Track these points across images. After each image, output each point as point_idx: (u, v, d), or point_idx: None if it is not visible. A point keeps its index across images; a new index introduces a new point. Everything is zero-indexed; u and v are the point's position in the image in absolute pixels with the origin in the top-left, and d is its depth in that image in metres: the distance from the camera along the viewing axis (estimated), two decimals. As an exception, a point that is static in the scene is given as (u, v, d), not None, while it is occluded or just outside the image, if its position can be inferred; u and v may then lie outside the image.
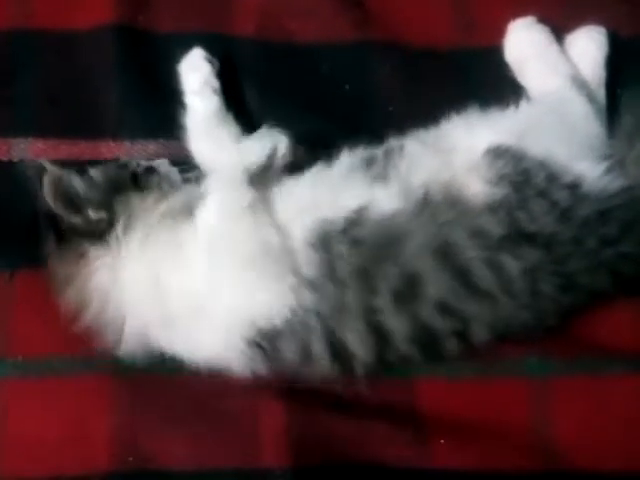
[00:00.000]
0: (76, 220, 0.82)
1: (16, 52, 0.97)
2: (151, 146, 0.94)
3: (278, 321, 0.78)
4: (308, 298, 0.78)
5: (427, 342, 0.80)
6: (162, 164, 0.89)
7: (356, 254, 0.79)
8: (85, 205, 0.82)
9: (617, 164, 0.84)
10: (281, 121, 0.94)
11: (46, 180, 0.82)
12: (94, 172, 0.85)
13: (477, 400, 0.84)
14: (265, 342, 0.79)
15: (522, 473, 0.83)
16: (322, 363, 0.79)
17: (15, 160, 0.93)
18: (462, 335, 0.80)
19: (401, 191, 0.81)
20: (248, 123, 0.93)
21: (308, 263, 0.79)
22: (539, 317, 0.81)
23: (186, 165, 0.90)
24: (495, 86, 0.94)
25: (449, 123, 0.87)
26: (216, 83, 0.91)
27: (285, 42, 0.99)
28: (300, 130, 0.94)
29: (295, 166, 0.88)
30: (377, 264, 0.78)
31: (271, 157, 0.87)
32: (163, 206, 0.84)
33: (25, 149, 0.94)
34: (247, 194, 0.82)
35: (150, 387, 0.84)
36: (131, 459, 0.82)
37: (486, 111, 0.87)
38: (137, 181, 0.86)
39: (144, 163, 0.89)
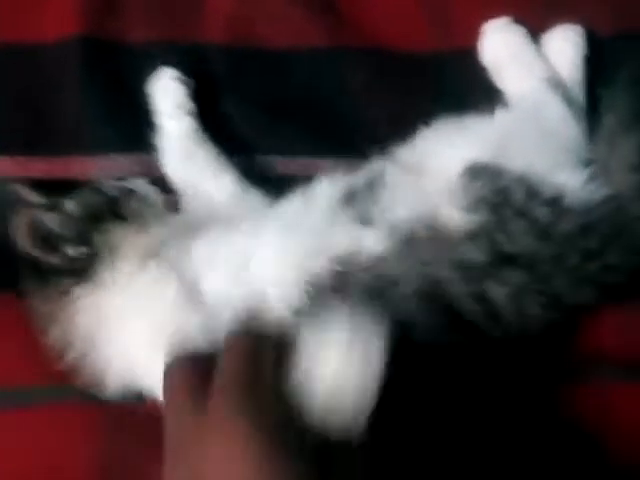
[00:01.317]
0: (54, 259, 0.78)
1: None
2: (125, 161, 0.91)
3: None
4: None
5: None
6: (139, 185, 0.86)
7: None
8: (62, 243, 0.78)
9: (600, 169, 0.83)
10: (253, 131, 0.93)
11: (18, 222, 0.78)
12: (68, 204, 0.81)
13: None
14: None
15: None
16: None
17: (-18, 179, 0.91)
18: None
19: (387, 232, 0.78)
20: (217, 132, 0.91)
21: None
22: (525, 335, 0.79)
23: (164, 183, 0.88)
24: (474, 89, 0.92)
25: (424, 136, 0.85)
26: (190, 105, 0.90)
27: (256, 49, 0.97)
28: (273, 140, 0.93)
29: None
30: None
31: None
32: (143, 242, 0.80)
33: (-7, 168, 0.91)
34: None
35: (130, 414, 0.81)
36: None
37: (463, 119, 0.85)
38: (115, 208, 0.82)
39: (119, 185, 0.85)
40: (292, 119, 0.94)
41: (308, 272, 0.77)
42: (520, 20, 0.93)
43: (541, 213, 0.78)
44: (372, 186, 0.82)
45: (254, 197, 0.88)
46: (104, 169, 0.91)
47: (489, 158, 0.80)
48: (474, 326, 0.77)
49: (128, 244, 0.80)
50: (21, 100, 0.94)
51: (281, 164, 0.92)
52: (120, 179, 0.88)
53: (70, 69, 0.94)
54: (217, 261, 0.79)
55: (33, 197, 0.82)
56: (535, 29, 0.93)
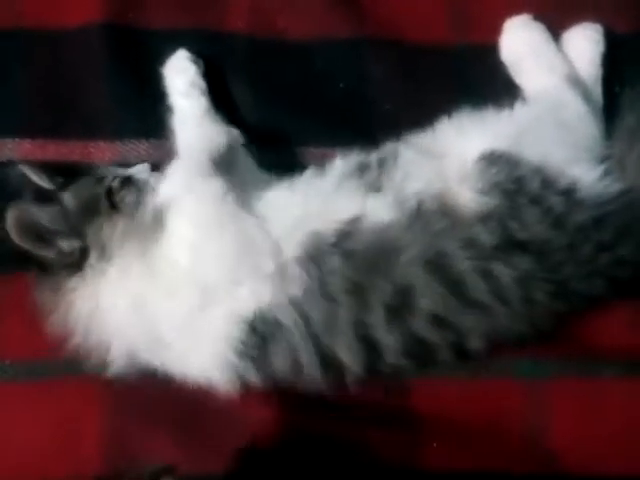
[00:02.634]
0: (48, 253, 0.78)
1: (3, 51, 0.95)
2: (142, 146, 0.92)
3: (266, 331, 0.77)
4: (296, 312, 0.77)
5: (420, 354, 0.78)
6: (142, 171, 0.86)
7: (348, 267, 0.77)
8: (55, 236, 0.78)
9: (616, 165, 0.83)
10: (273, 120, 0.94)
11: (10, 216, 0.76)
12: (66, 196, 0.80)
13: (470, 402, 0.84)
14: (254, 352, 0.77)
15: (515, 476, 0.82)
16: (312, 373, 0.78)
17: (3, 160, 0.92)
18: (456, 346, 0.79)
19: (395, 201, 0.79)
20: (239, 122, 0.91)
21: (298, 279, 0.77)
22: (533, 324, 0.79)
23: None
24: (491, 85, 0.93)
25: (443, 125, 0.86)
26: (203, 84, 0.90)
27: (277, 39, 0.97)
28: (293, 129, 0.93)
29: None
30: (370, 278, 0.77)
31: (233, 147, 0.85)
32: (134, 223, 0.79)
33: (13, 149, 0.92)
34: (220, 185, 0.80)
35: (139, 390, 0.82)
36: (121, 462, 0.81)
37: (481, 111, 0.86)
38: (113, 199, 0.81)
39: (122, 173, 0.84)
40: (311, 109, 0.95)
41: (313, 229, 0.78)
42: (540, 17, 0.94)
43: (555, 202, 0.79)
44: (384, 163, 0.83)
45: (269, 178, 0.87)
46: (123, 153, 0.92)
47: (506, 147, 0.80)
48: (477, 301, 0.77)
49: (120, 236, 0.79)
50: (42, 85, 0.95)
51: (299, 153, 0.93)
52: (123, 165, 0.89)
53: (92, 55, 0.95)
54: None
55: (39, 180, 0.82)
56: (555, 26, 0.94)
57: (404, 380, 0.84)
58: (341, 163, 0.84)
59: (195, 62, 0.91)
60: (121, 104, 0.94)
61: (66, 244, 0.78)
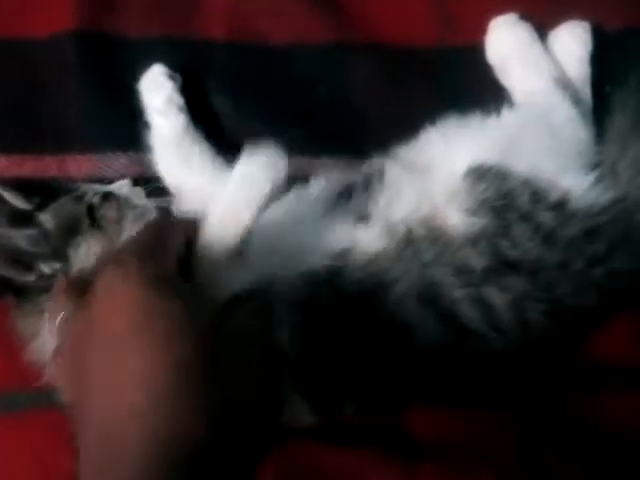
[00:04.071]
0: (28, 278, 0.76)
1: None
2: (121, 160, 0.89)
3: None
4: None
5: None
6: (123, 187, 0.84)
7: (340, 310, 0.74)
8: (35, 260, 0.76)
9: (607, 171, 0.81)
10: (253, 128, 0.90)
11: None
12: (44, 217, 0.78)
13: (465, 422, 0.82)
14: None
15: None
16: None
17: (-22, 178, 0.89)
18: None
19: (383, 229, 0.77)
20: (219, 131, 0.90)
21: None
22: (527, 342, 0.77)
23: (155, 182, 0.86)
24: (478, 87, 0.90)
25: (428, 135, 0.84)
26: (180, 100, 0.87)
27: (256, 44, 0.94)
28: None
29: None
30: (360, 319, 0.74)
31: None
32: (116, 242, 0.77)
33: (-12, 166, 0.89)
34: None
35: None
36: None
37: (468, 117, 0.83)
38: (93, 217, 0.79)
39: (102, 189, 0.82)
40: (291, 117, 0.92)
41: (302, 267, 0.75)
42: (527, 16, 0.91)
43: (546, 217, 0.76)
44: (370, 184, 0.80)
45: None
46: (100, 167, 0.89)
47: (495, 159, 0.78)
48: (472, 332, 0.75)
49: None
50: (14, 98, 0.92)
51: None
52: (103, 181, 0.86)
53: (65, 66, 0.92)
54: None
55: (15, 200, 0.79)
56: (542, 25, 0.91)
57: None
58: (324, 185, 0.81)
59: (171, 77, 0.88)
60: (97, 116, 0.91)
61: (47, 267, 0.76)
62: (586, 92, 0.89)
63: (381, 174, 0.81)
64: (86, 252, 0.77)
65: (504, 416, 0.81)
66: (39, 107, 0.92)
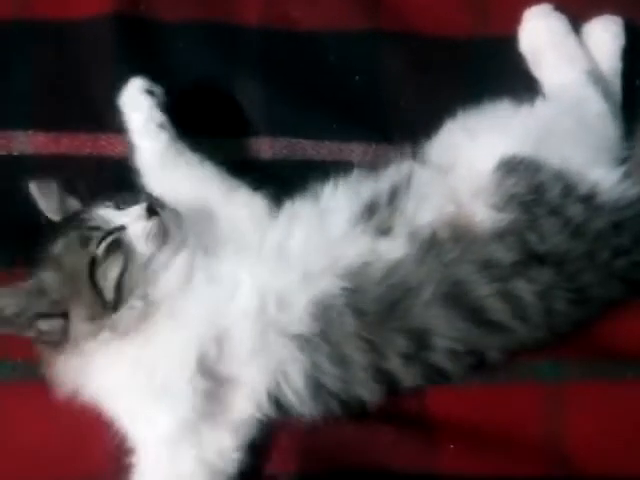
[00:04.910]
0: (30, 334, 0.75)
1: (14, 43, 0.94)
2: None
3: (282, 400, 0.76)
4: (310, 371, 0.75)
5: (438, 379, 0.78)
6: (136, 219, 0.76)
7: (361, 326, 0.74)
8: (32, 320, 0.74)
9: (635, 166, 0.81)
10: (284, 113, 0.92)
11: None
12: (45, 274, 0.75)
13: (488, 405, 0.82)
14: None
15: (534, 479, 0.81)
16: (331, 405, 0.77)
17: (15, 154, 0.91)
18: (475, 363, 0.78)
19: (407, 238, 0.77)
20: (251, 116, 0.92)
21: (310, 344, 0.75)
22: (553, 332, 0.78)
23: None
24: (509, 78, 0.91)
25: (455, 131, 0.84)
26: (160, 116, 0.84)
27: (290, 31, 0.96)
28: (306, 123, 0.92)
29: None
30: (383, 333, 0.75)
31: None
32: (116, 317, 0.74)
33: (25, 142, 0.91)
34: None
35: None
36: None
37: (498, 109, 0.84)
38: (95, 275, 0.74)
39: (114, 223, 0.76)
40: (324, 102, 0.93)
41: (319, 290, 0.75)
42: (561, 8, 0.91)
43: (575, 211, 0.77)
44: (396, 193, 0.79)
45: (244, 194, 0.83)
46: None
47: (526, 152, 0.78)
48: (500, 325, 0.76)
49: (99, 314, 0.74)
50: (53, 77, 0.94)
51: (311, 147, 0.92)
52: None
53: (102, 47, 0.94)
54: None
55: None
56: (576, 17, 0.92)
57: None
58: (345, 200, 0.80)
59: (150, 92, 0.85)
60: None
61: (45, 325, 0.75)
62: (617, 85, 0.89)
63: (408, 179, 0.80)
64: (87, 312, 0.75)
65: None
66: (76, 86, 0.94)
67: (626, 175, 0.80)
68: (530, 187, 0.77)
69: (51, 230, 0.79)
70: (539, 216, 0.76)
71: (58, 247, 0.76)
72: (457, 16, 0.96)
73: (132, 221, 0.76)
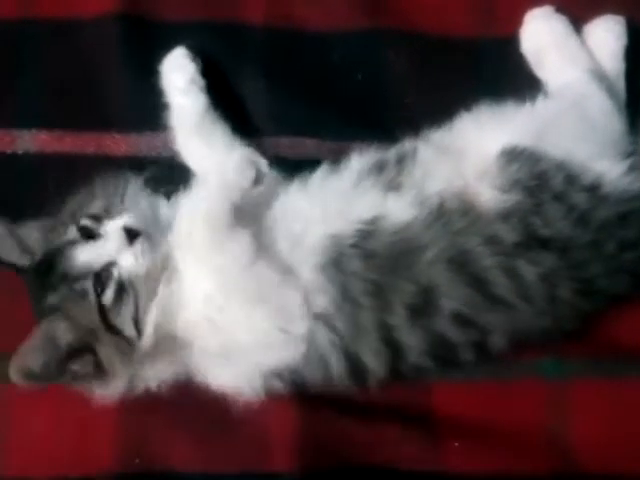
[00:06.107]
0: (67, 380, 0.76)
1: (19, 41, 0.94)
2: (158, 138, 0.91)
3: (296, 357, 0.77)
4: (325, 327, 0.77)
5: (443, 354, 0.78)
6: (134, 256, 0.76)
7: (369, 268, 0.77)
8: (63, 364, 0.74)
9: None
10: (287, 111, 0.93)
11: (11, 371, 0.73)
12: (52, 326, 0.75)
13: (493, 402, 0.83)
14: (285, 374, 0.78)
15: (538, 476, 0.81)
16: (340, 380, 0.78)
17: (19, 152, 0.91)
18: (480, 345, 0.78)
19: (415, 200, 0.79)
20: (254, 115, 0.92)
21: (320, 290, 0.77)
22: (558, 323, 0.79)
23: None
24: (513, 79, 0.91)
25: (462, 120, 0.85)
26: (202, 81, 0.88)
27: (294, 30, 0.96)
28: (310, 122, 0.92)
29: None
30: (391, 278, 0.76)
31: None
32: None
33: (29, 141, 0.92)
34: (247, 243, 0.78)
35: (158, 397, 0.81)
36: (137, 461, 0.82)
37: (502, 106, 0.84)
38: (107, 320, 0.75)
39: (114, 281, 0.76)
40: (328, 101, 0.94)
41: (332, 232, 0.78)
42: (562, 9, 0.92)
43: (579, 199, 0.78)
44: (403, 160, 0.82)
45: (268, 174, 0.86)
46: (137, 145, 0.92)
47: (528, 143, 0.79)
48: (502, 299, 0.77)
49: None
50: (58, 76, 0.95)
51: (314, 146, 0.92)
52: (142, 161, 0.88)
53: (108, 47, 0.95)
54: None
55: None
56: (577, 18, 0.92)
57: (427, 380, 0.83)
58: (358, 160, 0.83)
59: (193, 60, 0.89)
60: (136, 96, 0.93)
61: (76, 365, 0.76)
62: (620, 85, 0.90)
63: (414, 153, 0.82)
64: (110, 350, 0.76)
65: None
66: (81, 85, 0.94)
67: (632, 168, 0.81)
68: (533, 174, 0.78)
69: (32, 279, 0.79)
70: (543, 201, 0.78)
71: (54, 299, 0.76)
72: (461, 16, 0.96)
73: (117, 253, 0.76)
